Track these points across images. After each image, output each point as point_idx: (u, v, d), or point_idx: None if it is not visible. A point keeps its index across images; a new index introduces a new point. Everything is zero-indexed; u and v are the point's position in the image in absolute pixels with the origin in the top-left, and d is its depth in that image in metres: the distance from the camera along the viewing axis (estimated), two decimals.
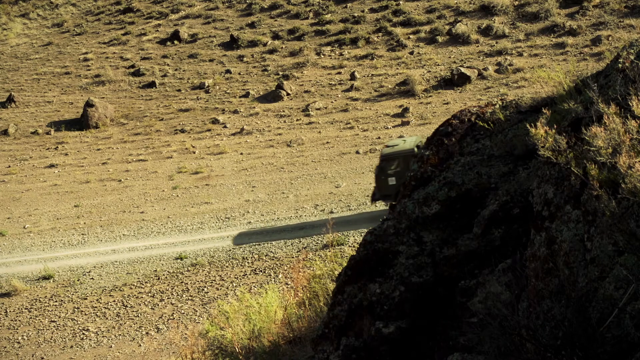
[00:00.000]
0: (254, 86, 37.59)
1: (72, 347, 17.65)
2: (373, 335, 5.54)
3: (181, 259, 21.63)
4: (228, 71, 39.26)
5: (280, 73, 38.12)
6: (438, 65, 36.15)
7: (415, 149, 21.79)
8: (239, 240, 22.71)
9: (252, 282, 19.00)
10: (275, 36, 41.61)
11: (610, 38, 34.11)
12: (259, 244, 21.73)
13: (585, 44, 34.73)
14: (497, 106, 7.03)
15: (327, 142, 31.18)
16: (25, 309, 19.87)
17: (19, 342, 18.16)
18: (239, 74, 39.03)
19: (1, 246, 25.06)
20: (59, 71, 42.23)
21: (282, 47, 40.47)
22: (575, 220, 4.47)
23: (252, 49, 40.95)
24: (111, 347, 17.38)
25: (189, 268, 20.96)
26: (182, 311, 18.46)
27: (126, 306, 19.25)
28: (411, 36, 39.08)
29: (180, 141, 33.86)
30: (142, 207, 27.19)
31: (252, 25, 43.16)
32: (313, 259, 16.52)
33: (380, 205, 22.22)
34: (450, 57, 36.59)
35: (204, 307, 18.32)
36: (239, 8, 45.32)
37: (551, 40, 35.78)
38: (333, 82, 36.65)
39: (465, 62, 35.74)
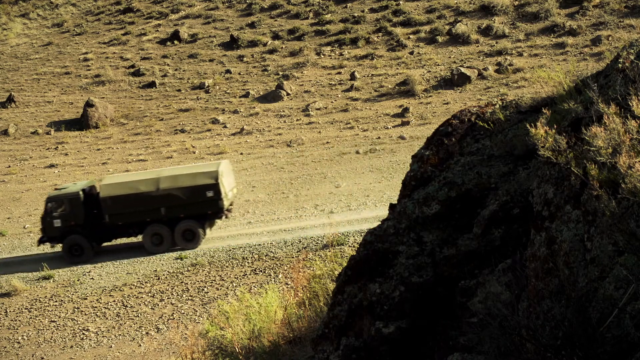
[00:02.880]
0: (254, 86, 37.59)
1: (72, 347, 17.65)
2: (373, 335, 5.54)
3: (181, 259, 21.64)
4: (228, 71, 39.27)
5: (280, 73, 38.12)
6: (438, 65, 36.16)
7: (81, 193, 22.49)
8: None
9: (252, 282, 19.00)
10: (275, 36, 41.61)
11: (610, 38, 34.12)
12: (260, 245, 21.74)
13: (585, 44, 34.73)
14: (497, 106, 7.03)
15: (327, 142, 31.18)
16: (25, 309, 19.86)
17: (19, 342, 18.16)
18: (239, 74, 39.03)
19: (1, 246, 25.06)
20: (59, 71, 42.23)
21: (282, 47, 40.48)
22: (575, 220, 4.47)
23: (252, 49, 40.95)
24: (111, 347, 17.38)
25: (189, 268, 20.96)
26: (182, 311, 18.46)
27: (126, 306, 19.25)
28: (411, 36, 39.08)
29: (180, 141, 33.87)
30: None
31: (252, 25, 43.16)
32: (313, 259, 16.53)
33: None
34: (450, 57, 36.60)
35: (204, 307, 18.32)
36: (239, 8, 45.32)
37: (551, 40, 35.78)
38: (333, 82, 36.66)
39: (465, 62, 35.75)
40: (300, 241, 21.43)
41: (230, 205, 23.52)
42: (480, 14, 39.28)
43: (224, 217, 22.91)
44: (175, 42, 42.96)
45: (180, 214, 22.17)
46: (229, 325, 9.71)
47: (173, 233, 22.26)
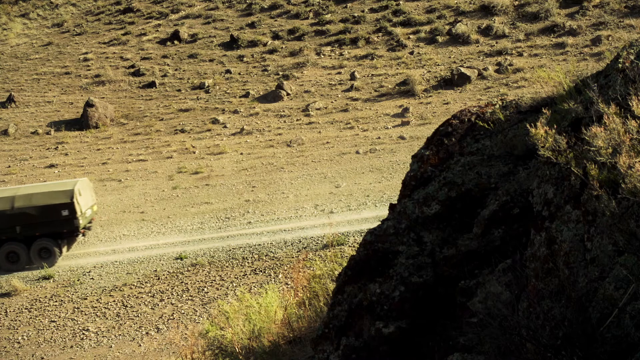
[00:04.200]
0: (254, 86, 37.59)
1: (72, 347, 17.65)
2: (373, 335, 5.54)
3: (181, 259, 21.64)
4: (228, 71, 39.26)
5: (280, 73, 38.11)
6: (438, 65, 36.15)
7: None
8: None
9: (252, 282, 19.00)
10: (275, 36, 41.60)
11: (610, 38, 34.12)
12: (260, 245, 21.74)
13: (585, 44, 34.73)
14: (497, 106, 7.02)
15: (327, 142, 31.18)
16: (25, 309, 19.87)
17: (19, 342, 18.16)
18: (239, 74, 39.03)
19: None
20: (59, 71, 42.22)
21: (282, 47, 40.47)
22: (575, 220, 4.47)
23: (252, 49, 40.95)
24: (111, 347, 17.38)
25: (189, 268, 20.96)
26: (182, 311, 18.46)
27: (126, 306, 19.25)
28: (411, 36, 39.08)
29: (180, 141, 33.86)
30: (142, 207, 27.19)
31: (252, 25, 43.15)
32: (313, 259, 16.54)
33: None
34: (450, 57, 36.59)
35: (204, 307, 18.32)
36: (239, 8, 45.32)
37: (551, 40, 35.78)
38: (333, 82, 36.65)
39: (465, 62, 35.74)
40: (300, 241, 21.43)
41: (89, 223, 23.71)
42: (480, 14, 39.29)
43: (81, 235, 23.09)
44: (175, 42, 42.95)
45: (35, 232, 22.22)
46: (229, 325, 9.71)
47: (29, 251, 22.29)
